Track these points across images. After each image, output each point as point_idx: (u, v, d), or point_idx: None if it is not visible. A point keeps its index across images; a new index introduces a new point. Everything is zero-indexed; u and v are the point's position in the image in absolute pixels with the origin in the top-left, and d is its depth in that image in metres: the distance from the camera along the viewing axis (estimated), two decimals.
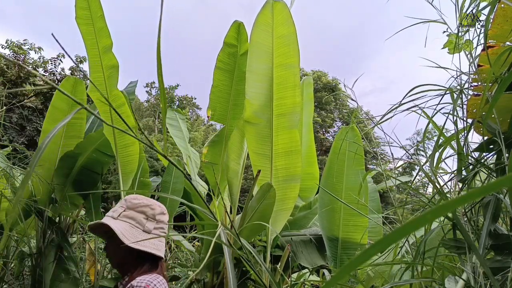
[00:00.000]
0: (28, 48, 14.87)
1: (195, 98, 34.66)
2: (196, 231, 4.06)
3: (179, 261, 4.29)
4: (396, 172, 2.14)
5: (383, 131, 1.41)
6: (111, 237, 1.31)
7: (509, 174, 0.47)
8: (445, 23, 1.33)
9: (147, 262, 1.32)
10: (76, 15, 2.62)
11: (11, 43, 14.46)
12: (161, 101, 0.81)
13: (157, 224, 1.36)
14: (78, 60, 15.65)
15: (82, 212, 3.76)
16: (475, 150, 1.16)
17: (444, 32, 1.39)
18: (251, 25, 2.36)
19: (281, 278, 2.51)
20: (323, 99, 25.86)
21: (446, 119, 1.17)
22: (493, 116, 1.05)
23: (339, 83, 27.02)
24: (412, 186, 1.73)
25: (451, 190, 1.23)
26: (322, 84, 27.61)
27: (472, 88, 1.16)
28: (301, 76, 2.74)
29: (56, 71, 15.36)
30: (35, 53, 15.02)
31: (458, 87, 1.20)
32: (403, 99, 1.19)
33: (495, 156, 1.10)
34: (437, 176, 1.19)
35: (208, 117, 2.98)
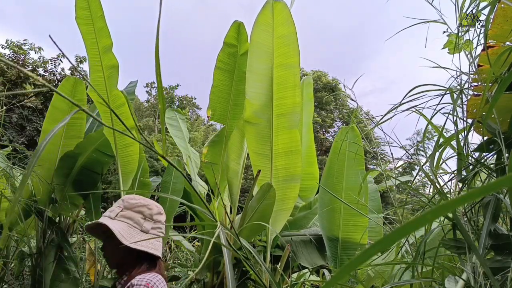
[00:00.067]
0: (28, 48, 14.87)
1: (195, 98, 34.69)
2: (196, 231, 4.06)
3: (179, 261, 4.29)
4: (396, 172, 2.14)
5: (383, 131, 1.41)
6: (109, 237, 1.31)
7: (509, 174, 0.47)
8: (445, 23, 1.33)
9: (146, 261, 1.33)
10: (76, 15, 2.62)
11: (11, 43, 14.46)
12: (159, 102, 0.81)
13: (154, 224, 1.36)
14: (78, 60, 15.66)
15: (82, 212, 3.76)
16: (475, 150, 1.16)
17: (444, 32, 1.39)
18: (251, 25, 2.37)
19: (281, 278, 2.51)
20: (323, 99, 25.86)
21: (446, 119, 1.17)
22: (493, 116, 1.05)
23: (339, 83, 27.02)
24: (412, 186, 1.73)
25: (451, 190, 1.23)
26: (322, 84, 27.61)
27: (472, 88, 1.16)
28: (301, 76, 2.74)
29: (56, 71, 15.36)
30: (35, 53, 15.03)
31: (458, 87, 1.20)
32: (403, 99, 1.20)
33: (495, 156, 1.10)
34: (437, 176, 1.19)
35: (208, 117, 2.98)
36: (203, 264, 1.66)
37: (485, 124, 1.07)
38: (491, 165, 1.11)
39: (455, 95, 1.16)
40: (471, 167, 1.14)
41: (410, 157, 1.35)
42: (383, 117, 1.28)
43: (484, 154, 1.15)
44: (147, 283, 1.21)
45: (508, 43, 1.05)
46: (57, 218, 3.22)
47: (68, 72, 15.39)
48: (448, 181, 1.21)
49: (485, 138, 1.12)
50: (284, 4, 2.33)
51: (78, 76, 3.41)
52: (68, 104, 3.02)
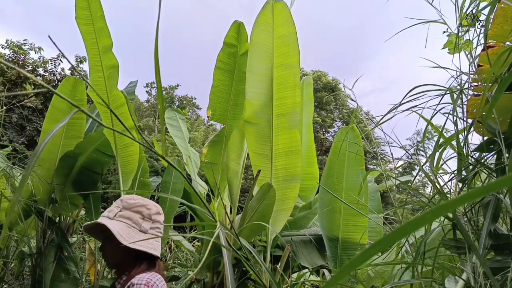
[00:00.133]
0: (28, 48, 14.88)
1: (195, 98, 34.69)
2: (196, 231, 4.06)
3: (179, 261, 4.29)
4: (396, 172, 2.14)
5: (383, 131, 1.41)
6: (108, 238, 1.32)
7: (509, 174, 0.47)
8: (445, 23, 1.33)
9: (145, 261, 1.33)
10: (76, 15, 2.62)
11: (11, 43, 14.46)
12: (159, 102, 0.81)
13: (153, 224, 1.36)
14: (78, 60, 15.66)
15: (82, 212, 3.76)
16: (475, 150, 1.16)
17: (444, 32, 1.39)
18: (251, 25, 2.37)
19: (281, 278, 2.51)
20: (323, 99, 25.86)
21: (446, 119, 1.17)
22: (493, 116, 1.05)
23: (339, 83, 27.03)
24: (412, 186, 1.73)
25: (451, 190, 1.23)
26: (322, 84, 27.61)
27: (472, 88, 1.16)
28: (301, 76, 2.74)
29: (56, 71, 15.37)
30: (35, 53, 15.04)
31: (458, 87, 1.20)
32: (403, 99, 1.20)
33: (495, 156, 1.10)
34: (437, 176, 1.19)
35: (208, 117, 2.98)
36: (202, 264, 1.66)
37: (485, 124, 1.07)
38: (491, 165, 1.11)
39: (455, 95, 1.16)
40: (471, 167, 1.14)
41: (410, 157, 1.35)
42: (383, 117, 1.28)
43: (484, 154, 1.15)
44: (148, 282, 1.22)
45: (508, 43, 1.05)
46: (57, 218, 3.22)
47: (68, 72, 15.39)
48: (448, 181, 1.21)
49: (485, 138, 1.12)
50: (284, 4, 2.33)
51: (77, 77, 3.41)
52: (68, 104, 3.02)
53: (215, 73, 2.90)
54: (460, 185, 1.16)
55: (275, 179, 2.43)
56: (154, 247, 1.34)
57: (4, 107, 2.92)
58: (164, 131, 0.87)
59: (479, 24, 1.22)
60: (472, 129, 1.15)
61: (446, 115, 1.17)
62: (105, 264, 3.48)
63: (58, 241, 2.96)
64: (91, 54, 2.74)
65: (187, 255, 4.60)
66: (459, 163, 1.13)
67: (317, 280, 3.15)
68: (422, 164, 1.26)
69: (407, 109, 1.22)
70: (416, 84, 1.17)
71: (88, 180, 3.23)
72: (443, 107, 1.17)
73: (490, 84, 1.06)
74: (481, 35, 1.13)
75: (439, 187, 1.16)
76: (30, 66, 14.84)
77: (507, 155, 0.98)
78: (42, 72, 15.21)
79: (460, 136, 1.15)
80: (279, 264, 2.37)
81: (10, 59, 14.41)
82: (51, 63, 15.22)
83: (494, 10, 1.01)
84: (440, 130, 1.20)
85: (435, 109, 1.16)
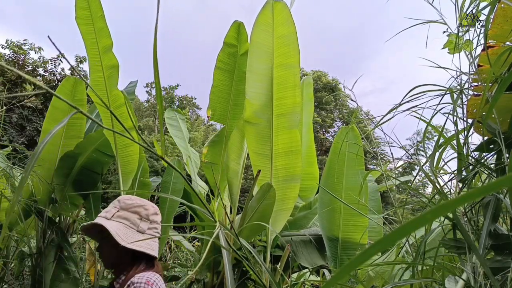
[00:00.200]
0: (28, 48, 14.88)
1: (195, 98, 34.68)
2: (196, 231, 4.06)
3: (179, 261, 4.29)
4: (396, 172, 2.14)
5: (383, 131, 1.41)
6: (105, 238, 1.32)
7: (509, 174, 0.47)
8: (445, 23, 1.33)
9: (143, 261, 1.33)
10: (76, 15, 2.62)
11: (11, 43, 14.47)
12: (157, 103, 0.81)
13: (150, 224, 1.37)
14: (78, 60, 15.66)
15: (82, 212, 3.76)
16: (475, 150, 1.16)
17: (444, 32, 1.39)
18: (251, 25, 2.37)
19: (281, 278, 2.51)
20: (323, 99, 25.86)
21: (446, 119, 1.17)
22: (493, 116, 1.05)
23: (339, 83, 27.03)
24: (412, 186, 1.73)
25: (451, 190, 1.23)
26: (322, 84, 27.61)
27: (472, 88, 1.16)
28: (301, 76, 2.74)
29: (56, 71, 15.37)
30: (35, 53, 15.05)
31: (458, 87, 1.20)
32: (403, 99, 1.19)
33: (495, 156, 1.10)
34: (437, 176, 1.19)
35: (208, 117, 2.98)
36: (202, 264, 1.66)
37: (485, 124, 1.07)
38: (491, 165, 1.11)
39: (455, 95, 1.16)
40: (471, 167, 1.14)
41: (410, 157, 1.35)
42: (383, 117, 1.28)
43: (484, 154, 1.15)
44: (147, 280, 1.22)
45: (508, 43, 1.05)
46: (57, 218, 3.22)
47: (68, 72, 15.40)
48: (448, 181, 1.21)
49: (485, 138, 1.12)
50: (284, 4, 2.33)
51: (77, 77, 3.41)
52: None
53: (215, 73, 2.90)
54: (460, 185, 1.16)
55: (275, 179, 2.43)
56: (152, 248, 1.35)
57: (4, 107, 2.92)
58: (164, 131, 0.87)
59: (479, 24, 1.22)
60: (472, 129, 1.15)
61: (446, 115, 1.17)
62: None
63: (58, 241, 2.96)
64: (91, 54, 2.74)
65: (187, 255, 4.60)
66: (459, 163, 1.13)
67: (317, 280, 3.15)
68: (422, 164, 1.26)
69: (407, 109, 1.22)
70: (416, 84, 1.17)
71: (88, 180, 3.23)
72: (443, 107, 1.17)
73: (490, 84, 1.06)
74: (481, 35, 1.13)
75: (439, 187, 1.16)
76: (30, 66, 14.85)
77: (507, 155, 0.98)
78: (42, 72, 15.21)
79: (460, 136, 1.15)
80: (279, 264, 2.37)
81: (10, 59, 14.42)
82: (51, 63, 15.22)
83: (494, 10, 1.01)
84: (440, 130, 1.20)
85: (435, 109, 1.16)
